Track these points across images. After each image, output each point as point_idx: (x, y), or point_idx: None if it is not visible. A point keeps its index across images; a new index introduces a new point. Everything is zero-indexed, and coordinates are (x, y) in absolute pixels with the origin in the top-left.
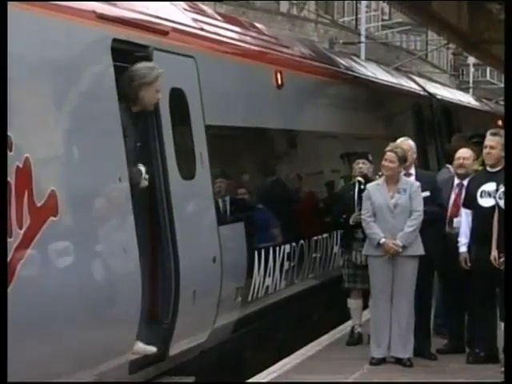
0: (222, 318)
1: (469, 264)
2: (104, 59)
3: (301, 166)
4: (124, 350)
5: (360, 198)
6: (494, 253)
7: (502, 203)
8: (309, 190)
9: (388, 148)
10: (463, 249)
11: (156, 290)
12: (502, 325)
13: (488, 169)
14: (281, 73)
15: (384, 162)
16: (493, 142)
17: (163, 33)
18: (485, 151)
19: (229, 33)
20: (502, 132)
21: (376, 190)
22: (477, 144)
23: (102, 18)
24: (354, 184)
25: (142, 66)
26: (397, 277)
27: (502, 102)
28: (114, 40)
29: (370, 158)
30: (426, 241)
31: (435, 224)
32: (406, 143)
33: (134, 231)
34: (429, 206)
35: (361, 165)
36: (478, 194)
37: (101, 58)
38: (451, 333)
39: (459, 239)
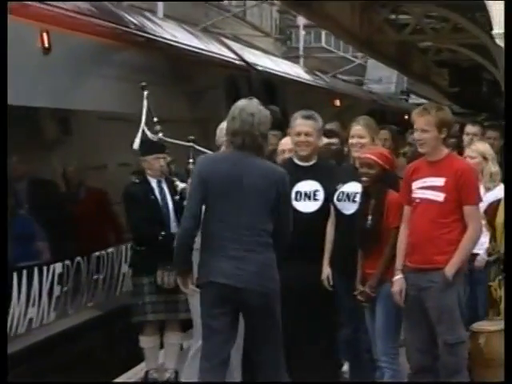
0: None
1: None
2: None
3: (79, 157)
4: None
5: (175, 204)
6: (327, 270)
7: (341, 206)
8: (90, 190)
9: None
10: None
11: None
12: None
13: (300, 163)
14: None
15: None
16: (307, 127)
17: None
18: (297, 139)
19: None
20: (317, 115)
21: None
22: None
23: None
24: (147, 183)
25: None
26: None
27: (341, 76)
28: None
29: (167, 151)
30: None
31: None
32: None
33: None
34: None
35: (162, 162)
36: (293, 196)
37: None
38: None
39: None
